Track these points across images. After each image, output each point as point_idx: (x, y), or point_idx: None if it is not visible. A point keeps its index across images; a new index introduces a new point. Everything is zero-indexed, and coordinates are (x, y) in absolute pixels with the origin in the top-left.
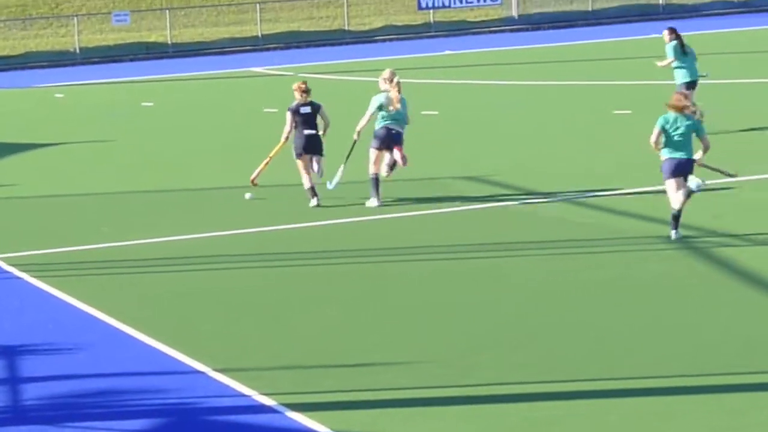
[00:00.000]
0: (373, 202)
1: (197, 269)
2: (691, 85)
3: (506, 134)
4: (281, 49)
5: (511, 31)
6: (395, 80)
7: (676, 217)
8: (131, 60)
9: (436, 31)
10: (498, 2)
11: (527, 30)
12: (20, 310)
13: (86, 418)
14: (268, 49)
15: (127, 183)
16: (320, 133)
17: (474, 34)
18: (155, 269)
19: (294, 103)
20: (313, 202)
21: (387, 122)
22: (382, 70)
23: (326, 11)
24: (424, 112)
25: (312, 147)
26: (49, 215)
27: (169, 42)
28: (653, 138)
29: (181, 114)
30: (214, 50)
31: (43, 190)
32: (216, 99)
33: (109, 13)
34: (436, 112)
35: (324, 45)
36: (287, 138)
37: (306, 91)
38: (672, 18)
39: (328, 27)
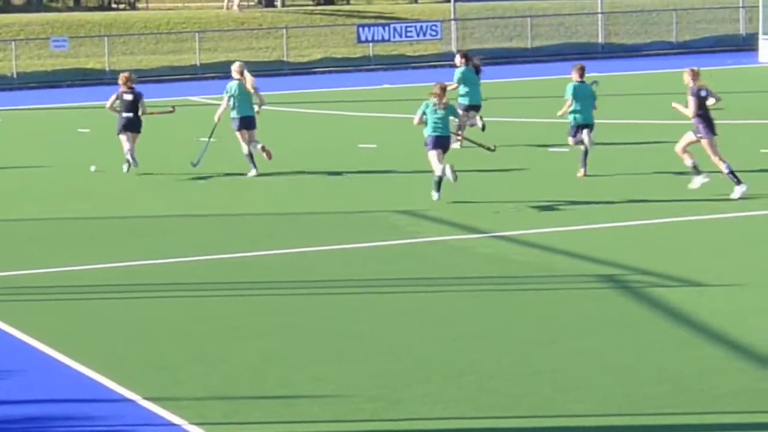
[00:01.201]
0: (252, 172)
1: (129, 297)
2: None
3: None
4: (220, 78)
5: (450, 66)
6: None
7: (438, 182)
8: (69, 86)
9: (375, 65)
10: (437, 37)
11: None
12: None
13: None
14: (206, 78)
15: (60, 209)
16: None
17: (413, 68)
18: (87, 296)
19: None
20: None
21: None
22: (321, 102)
23: (265, 42)
24: (361, 145)
25: (131, 126)
26: None
27: (107, 69)
28: (416, 120)
29: (117, 142)
30: (152, 78)
31: None
32: (152, 127)
33: (48, 38)
34: (374, 145)
35: (263, 75)
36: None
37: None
38: (611, 57)
39: (267, 58)
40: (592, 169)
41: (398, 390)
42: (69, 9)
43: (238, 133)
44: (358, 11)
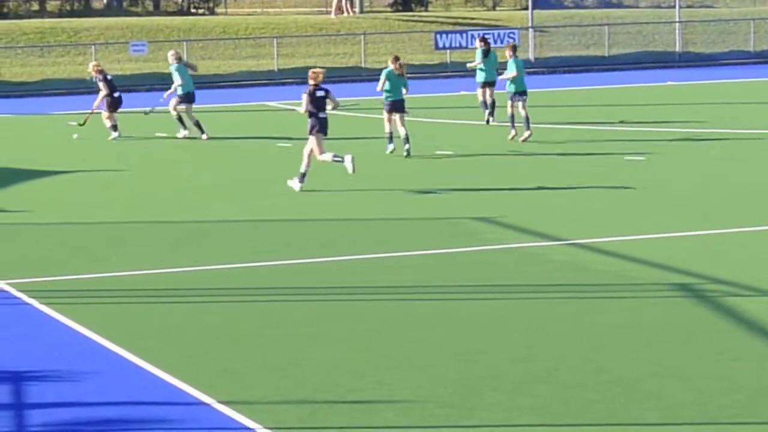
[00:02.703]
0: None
1: (203, 301)
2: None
3: (519, 177)
4: (297, 84)
5: (528, 73)
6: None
7: (389, 137)
8: (147, 90)
9: (452, 71)
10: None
11: (543, 73)
12: (27, 337)
13: None
14: (284, 84)
15: (137, 213)
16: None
17: None
18: (160, 299)
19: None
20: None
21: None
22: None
23: (343, 48)
24: (438, 152)
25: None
26: (60, 243)
27: None
28: (379, 86)
29: (196, 146)
30: (230, 83)
31: (54, 218)
32: (230, 132)
33: (127, 42)
34: (450, 152)
35: (340, 81)
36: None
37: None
38: (688, 66)
39: (345, 63)
40: (670, 176)
41: (471, 397)
42: (149, 13)
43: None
44: (436, 17)
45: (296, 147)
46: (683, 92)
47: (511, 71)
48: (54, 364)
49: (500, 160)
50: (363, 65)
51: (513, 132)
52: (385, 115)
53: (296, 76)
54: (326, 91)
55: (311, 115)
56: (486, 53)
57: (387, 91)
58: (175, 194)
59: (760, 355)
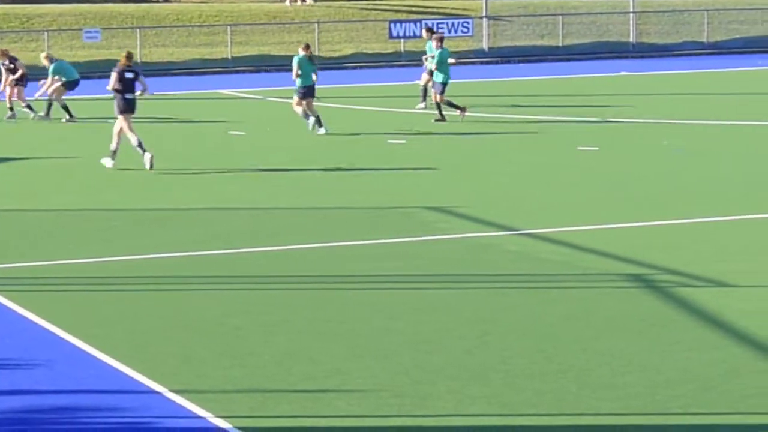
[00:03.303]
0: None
1: (157, 289)
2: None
3: (471, 166)
4: (251, 72)
5: (482, 63)
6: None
7: (305, 115)
8: (100, 77)
9: (406, 60)
10: (469, 34)
11: (497, 63)
12: None
13: None
14: (237, 72)
15: (88, 200)
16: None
17: None
18: (115, 287)
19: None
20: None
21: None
22: (351, 97)
23: (297, 36)
24: (391, 141)
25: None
26: (11, 229)
27: (139, 61)
28: (294, 74)
29: (147, 133)
30: (184, 70)
31: (5, 204)
32: (182, 119)
33: (80, 29)
34: (403, 141)
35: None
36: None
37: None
38: (642, 56)
39: (299, 52)
40: (623, 167)
41: (424, 386)
42: (102, 0)
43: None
44: (391, 6)
45: (250, 134)
46: (637, 83)
47: (437, 61)
48: (5, 352)
49: (453, 151)
50: (317, 53)
51: (441, 115)
52: (296, 100)
53: (250, 64)
54: (136, 73)
55: (119, 94)
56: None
57: (299, 77)
58: (129, 181)
59: (711, 345)
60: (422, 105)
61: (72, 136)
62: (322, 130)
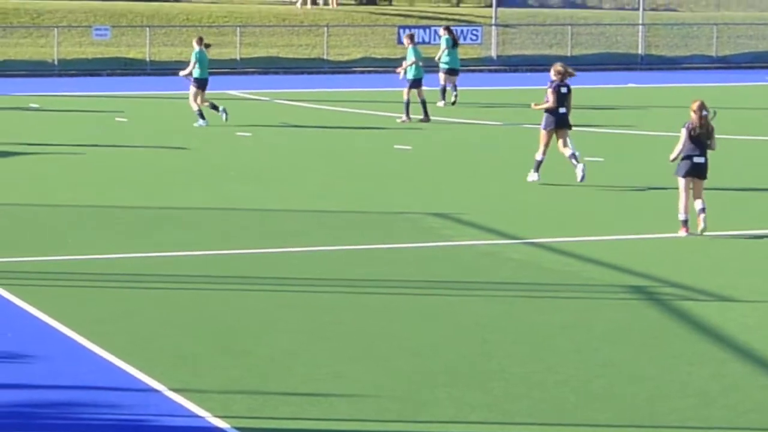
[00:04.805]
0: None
1: (158, 288)
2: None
3: (479, 174)
4: (259, 73)
5: (489, 71)
6: None
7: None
8: (109, 75)
9: None
10: (478, 42)
11: (505, 71)
12: None
13: (39, 429)
14: (245, 73)
15: (94, 197)
16: None
17: None
18: (117, 284)
19: None
20: None
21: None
22: (359, 101)
23: (306, 39)
24: (397, 146)
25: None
26: (15, 224)
27: (148, 59)
28: (190, 67)
29: (154, 131)
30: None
31: (10, 199)
32: (189, 119)
33: (90, 26)
34: (409, 147)
35: (302, 73)
36: None
37: None
38: (650, 69)
39: (307, 55)
40: (628, 181)
41: (424, 392)
42: None
43: None
44: (400, 12)
45: (256, 136)
46: (644, 95)
47: (410, 59)
48: (6, 346)
49: (459, 157)
50: (325, 57)
51: (405, 117)
52: (195, 91)
53: (258, 66)
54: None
55: None
56: (453, 43)
57: (197, 69)
58: (135, 179)
59: (712, 359)
60: (441, 104)
61: (82, 131)
62: (202, 123)
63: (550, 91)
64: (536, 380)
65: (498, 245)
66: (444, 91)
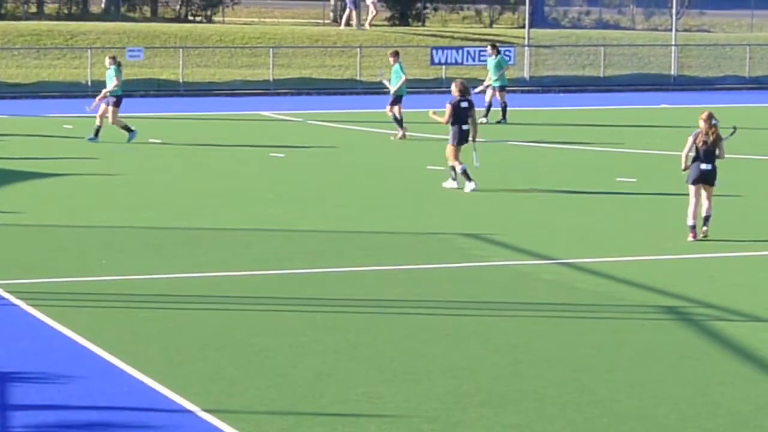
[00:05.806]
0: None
1: (192, 308)
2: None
3: (512, 194)
4: (292, 94)
5: (522, 92)
6: None
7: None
8: (142, 96)
9: (447, 87)
10: (510, 62)
11: (538, 92)
12: (14, 338)
13: None
14: (278, 94)
15: (129, 217)
16: None
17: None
18: (151, 306)
19: None
20: None
21: None
22: (392, 122)
23: (339, 60)
24: (430, 167)
25: None
26: (50, 245)
27: (181, 80)
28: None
29: (188, 152)
30: (225, 91)
31: (46, 220)
32: (223, 140)
33: (123, 47)
34: (442, 168)
35: (335, 93)
36: None
37: None
38: (683, 89)
39: (340, 76)
40: (660, 201)
41: (456, 412)
42: (146, 19)
43: None
44: (433, 33)
45: (289, 157)
46: (677, 115)
47: (399, 76)
48: (40, 366)
49: (491, 178)
50: (358, 78)
51: (400, 133)
52: (114, 110)
53: (291, 87)
54: None
55: None
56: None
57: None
58: (170, 200)
59: (745, 380)
60: (484, 120)
61: (114, 152)
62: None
63: (448, 106)
64: (569, 401)
65: (530, 266)
66: (489, 108)
